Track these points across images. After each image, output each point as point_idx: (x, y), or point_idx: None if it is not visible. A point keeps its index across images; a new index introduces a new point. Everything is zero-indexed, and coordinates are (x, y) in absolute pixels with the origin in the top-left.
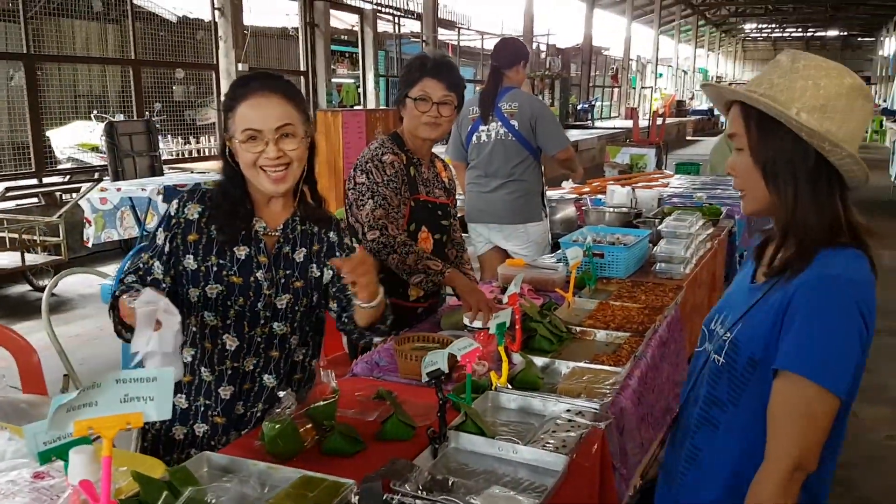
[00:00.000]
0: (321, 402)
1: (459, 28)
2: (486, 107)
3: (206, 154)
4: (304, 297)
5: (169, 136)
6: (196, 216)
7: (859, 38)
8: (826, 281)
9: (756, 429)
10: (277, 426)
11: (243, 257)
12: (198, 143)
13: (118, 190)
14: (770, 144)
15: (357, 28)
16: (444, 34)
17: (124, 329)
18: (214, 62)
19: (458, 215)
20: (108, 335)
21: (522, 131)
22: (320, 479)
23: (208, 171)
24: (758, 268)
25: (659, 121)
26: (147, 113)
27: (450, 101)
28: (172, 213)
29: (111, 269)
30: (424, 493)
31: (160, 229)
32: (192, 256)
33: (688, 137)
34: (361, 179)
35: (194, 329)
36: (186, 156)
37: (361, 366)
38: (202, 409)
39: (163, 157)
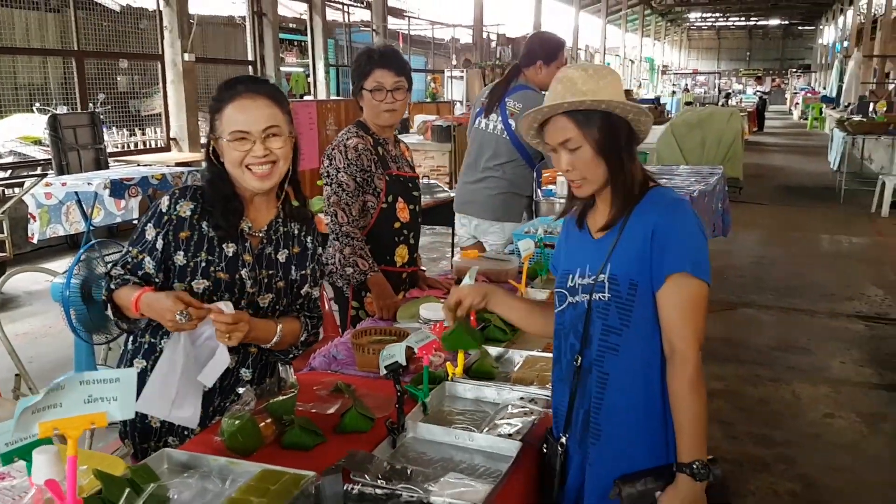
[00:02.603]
0: (280, 398)
1: (409, 17)
2: (493, 99)
3: (153, 146)
4: (284, 297)
5: (114, 127)
6: (188, 213)
7: (800, 27)
8: (678, 204)
9: (648, 337)
10: (237, 422)
11: (231, 254)
12: (143, 134)
13: (63, 184)
14: (602, 133)
15: (305, 16)
16: (394, 23)
17: (122, 320)
18: (160, 52)
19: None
20: (57, 332)
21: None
22: (281, 473)
23: (154, 164)
24: (589, 229)
25: None
26: (91, 104)
27: (401, 85)
28: (164, 210)
29: (58, 264)
30: (383, 482)
31: (150, 225)
32: (182, 253)
33: None
34: (325, 164)
35: None
36: (132, 148)
37: (319, 359)
38: None
39: (108, 150)
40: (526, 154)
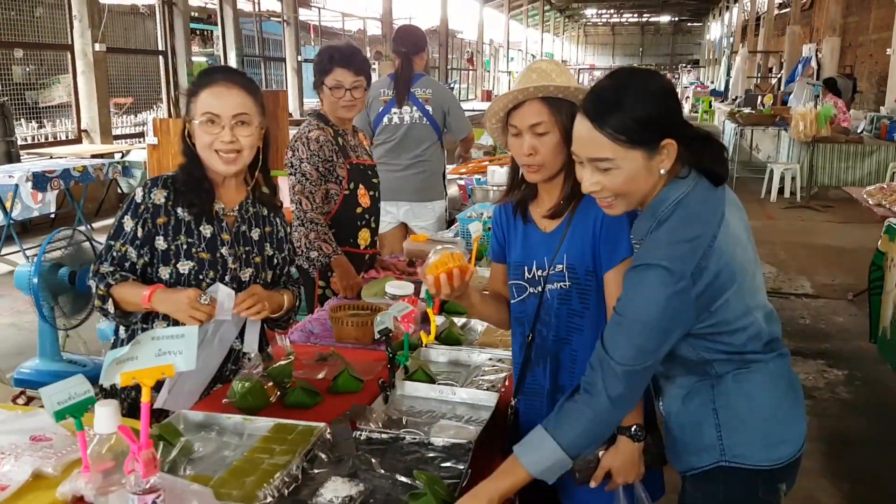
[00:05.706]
0: (279, 363)
1: (319, 8)
2: (402, 91)
3: (63, 138)
4: (262, 271)
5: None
6: (162, 200)
7: (689, 24)
8: None
9: (604, 315)
10: (247, 384)
11: (209, 235)
12: (54, 126)
13: None
14: (570, 122)
15: (210, 5)
16: (304, 15)
17: (122, 315)
18: (69, 42)
19: None
20: None
21: (436, 116)
22: (293, 425)
23: (67, 156)
24: (534, 222)
25: None
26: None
27: (360, 84)
28: (139, 201)
29: None
30: (384, 429)
31: (127, 217)
32: (162, 237)
33: None
34: (288, 155)
35: None
36: (43, 140)
37: (297, 334)
38: None
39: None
40: (440, 133)
